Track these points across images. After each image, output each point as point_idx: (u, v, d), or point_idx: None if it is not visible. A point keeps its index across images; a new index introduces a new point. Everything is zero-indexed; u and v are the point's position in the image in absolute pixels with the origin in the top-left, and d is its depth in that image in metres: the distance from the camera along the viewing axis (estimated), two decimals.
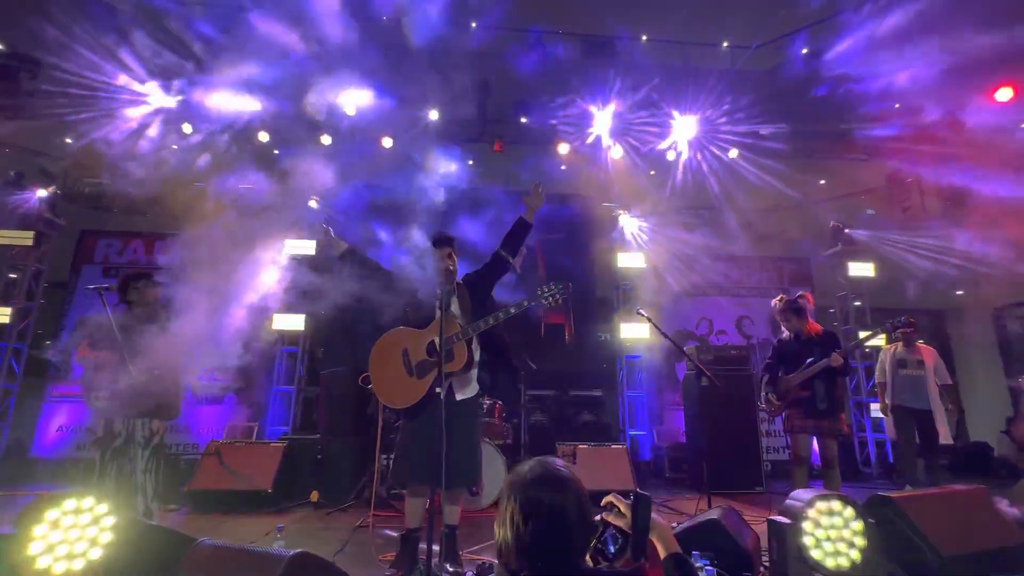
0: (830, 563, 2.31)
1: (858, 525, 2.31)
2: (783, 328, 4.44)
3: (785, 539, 2.45)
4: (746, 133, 7.62)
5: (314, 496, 5.00)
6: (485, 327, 2.95)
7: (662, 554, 1.37)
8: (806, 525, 2.41)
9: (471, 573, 2.64)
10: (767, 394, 4.32)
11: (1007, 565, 2.39)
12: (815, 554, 2.35)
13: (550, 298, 2.94)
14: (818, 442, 4.13)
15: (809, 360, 4.09)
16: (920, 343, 5.36)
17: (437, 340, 2.91)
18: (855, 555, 2.27)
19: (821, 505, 2.41)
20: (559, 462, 1.32)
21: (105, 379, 3.33)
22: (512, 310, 2.96)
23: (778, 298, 4.51)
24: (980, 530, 2.56)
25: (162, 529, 2.32)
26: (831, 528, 2.37)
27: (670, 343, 4.46)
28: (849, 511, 2.36)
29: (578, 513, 1.20)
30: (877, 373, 5.54)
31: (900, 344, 5.33)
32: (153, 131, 7.72)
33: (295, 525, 4.28)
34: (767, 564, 2.94)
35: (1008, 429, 7.80)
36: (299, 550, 2.04)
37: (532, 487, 1.23)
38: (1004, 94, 6.15)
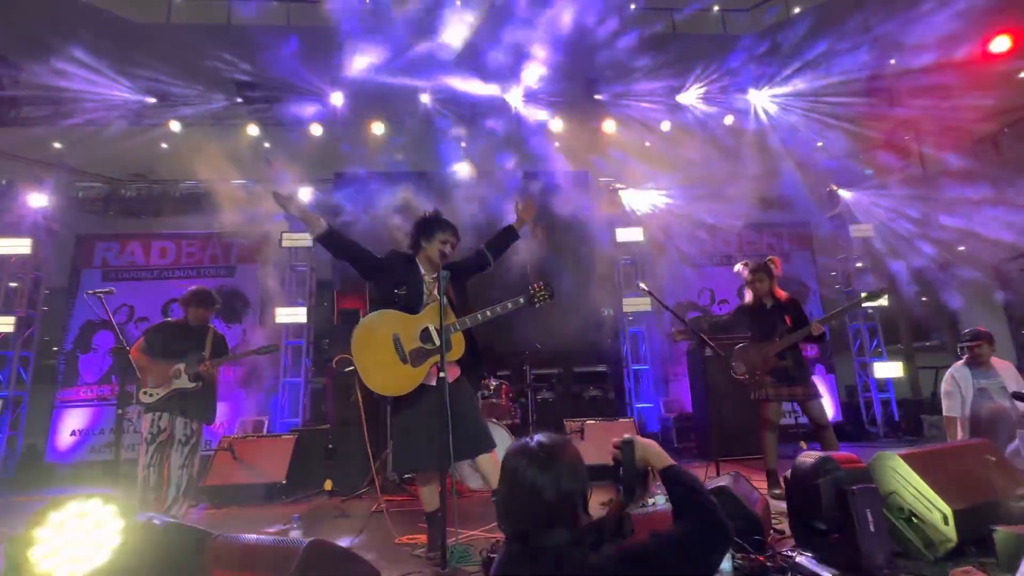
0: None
1: None
2: (749, 293, 4.32)
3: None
4: (743, 97, 7.53)
5: (328, 485, 5.07)
6: (483, 319, 2.94)
7: (657, 472, 1.44)
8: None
9: (483, 553, 2.68)
10: (737, 368, 4.21)
11: (1014, 514, 2.41)
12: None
13: (542, 298, 3.01)
14: (803, 407, 4.08)
15: (788, 327, 4.08)
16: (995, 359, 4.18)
17: (431, 327, 2.90)
18: None
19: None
20: (554, 436, 1.37)
21: (155, 379, 3.65)
22: (510, 305, 2.98)
23: (743, 263, 4.42)
24: (986, 481, 2.59)
25: (181, 525, 2.35)
26: None
27: (672, 315, 4.45)
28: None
29: (544, 484, 1.25)
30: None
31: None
32: (140, 130, 7.67)
33: (311, 514, 4.34)
34: (781, 530, 2.98)
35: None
36: (314, 538, 2.08)
37: (508, 458, 1.34)
38: (1001, 44, 5.98)
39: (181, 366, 3.69)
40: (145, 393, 3.64)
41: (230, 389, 7.19)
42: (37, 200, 7.01)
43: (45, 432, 6.77)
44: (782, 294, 4.27)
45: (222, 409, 7.04)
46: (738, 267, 4.41)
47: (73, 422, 6.80)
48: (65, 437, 6.74)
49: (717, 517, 1.29)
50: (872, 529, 2.21)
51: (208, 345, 3.86)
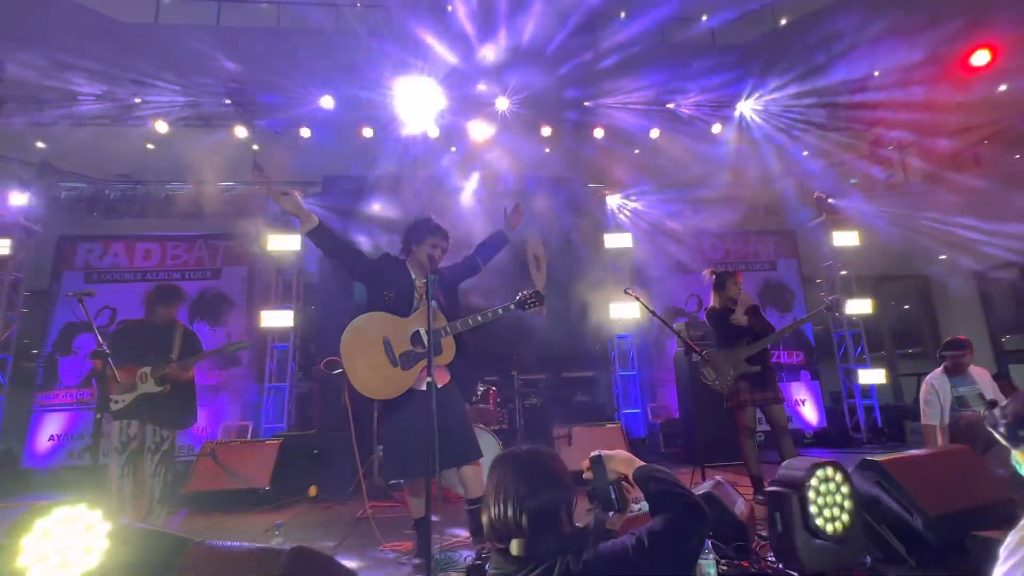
0: (828, 528, 2.33)
1: (847, 489, 2.34)
2: (719, 299, 4.36)
3: (790, 509, 2.38)
4: (730, 106, 7.62)
5: (312, 491, 5.01)
6: (474, 324, 2.93)
7: (629, 475, 1.48)
8: (810, 494, 2.39)
9: (469, 559, 2.66)
10: (708, 374, 4.20)
11: (993, 521, 2.45)
12: (818, 521, 2.36)
13: (533, 304, 3.02)
14: (767, 411, 4.12)
15: (756, 335, 4.13)
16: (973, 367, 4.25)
17: (422, 330, 2.89)
18: (846, 519, 2.31)
19: (820, 473, 2.41)
20: (539, 447, 1.40)
21: (120, 385, 3.44)
22: (500, 311, 2.99)
23: (709, 271, 4.51)
24: (966, 488, 2.62)
25: (159, 532, 2.30)
26: (827, 495, 2.38)
27: (660, 321, 4.48)
28: (840, 476, 2.39)
29: (529, 492, 1.28)
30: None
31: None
32: (125, 130, 7.57)
33: (295, 521, 4.29)
34: (765, 536, 2.99)
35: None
36: (297, 544, 2.05)
37: (494, 468, 1.37)
38: (980, 57, 6.11)
39: (147, 369, 3.50)
40: (111, 400, 3.46)
41: (214, 393, 7.09)
42: (18, 199, 6.87)
43: (22, 437, 6.62)
44: (748, 300, 4.36)
45: (205, 414, 6.98)
46: (706, 273, 4.49)
47: (51, 427, 6.66)
48: (43, 442, 6.60)
49: (691, 499, 1.32)
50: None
51: (176, 344, 3.66)
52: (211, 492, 4.89)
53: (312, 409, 7.07)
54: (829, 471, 2.42)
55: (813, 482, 2.39)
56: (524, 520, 1.25)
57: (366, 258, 3.10)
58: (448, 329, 2.89)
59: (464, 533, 3.45)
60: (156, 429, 3.53)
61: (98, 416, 3.25)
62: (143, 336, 3.62)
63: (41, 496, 5.48)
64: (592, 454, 1.52)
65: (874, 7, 6.94)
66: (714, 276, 4.43)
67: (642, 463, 1.47)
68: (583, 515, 1.45)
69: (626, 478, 1.49)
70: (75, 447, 6.59)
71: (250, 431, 6.72)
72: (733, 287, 4.31)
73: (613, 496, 1.48)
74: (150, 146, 9.39)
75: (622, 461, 1.49)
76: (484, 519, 1.34)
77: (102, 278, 7.30)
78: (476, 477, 3.00)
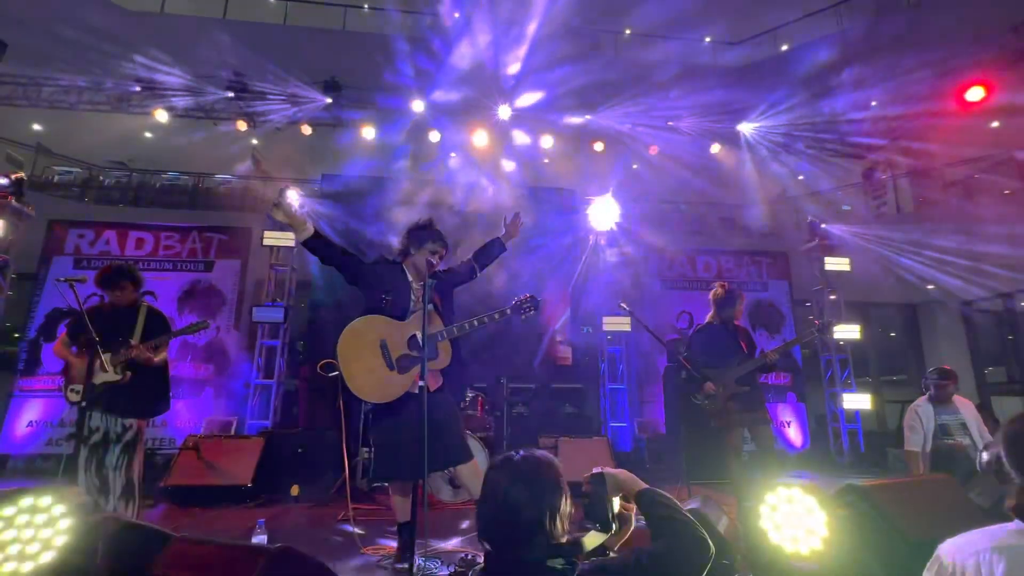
0: (788, 549, 2.34)
1: (822, 516, 2.34)
2: (721, 315, 4.37)
3: (750, 525, 2.48)
4: (728, 128, 7.72)
5: (294, 490, 4.95)
6: (470, 329, 2.94)
7: (631, 496, 1.46)
8: (764, 510, 2.45)
9: (452, 567, 2.65)
10: (699, 393, 4.16)
11: None
12: (773, 538, 2.39)
13: (528, 309, 3.04)
14: (755, 432, 4.15)
15: (747, 354, 4.18)
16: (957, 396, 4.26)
17: (419, 334, 2.89)
18: (817, 544, 2.31)
19: (781, 492, 2.43)
20: (537, 452, 1.38)
21: (81, 374, 3.27)
22: (496, 316, 3.01)
23: (720, 285, 4.55)
24: (947, 515, 2.65)
25: (140, 525, 2.27)
26: (791, 515, 2.38)
27: (650, 336, 4.49)
28: (811, 500, 2.40)
29: (527, 498, 1.27)
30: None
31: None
32: (124, 117, 7.54)
33: (276, 520, 4.24)
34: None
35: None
36: (281, 544, 2.03)
37: (492, 471, 1.35)
38: (975, 93, 6.23)
39: (106, 357, 3.28)
40: (72, 391, 3.33)
41: (199, 387, 7.02)
42: (9, 181, 6.78)
43: (0, 422, 6.51)
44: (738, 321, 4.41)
45: (189, 407, 6.90)
46: (717, 287, 4.51)
47: (31, 413, 6.55)
48: (21, 428, 6.49)
49: (695, 531, 1.32)
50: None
51: (139, 328, 3.44)
52: (192, 487, 4.82)
53: (298, 407, 7.01)
54: (795, 492, 2.44)
55: (770, 499, 2.43)
56: (521, 526, 1.25)
57: (362, 262, 3.09)
58: (445, 333, 2.90)
59: (451, 541, 3.44)
60: (117, 418, 3.32)
61: (82, 404, 3.19)
62: (105, 321, 3.36)
63: (15, 483, 5.38)
64: (594, 470, 1.49)
65: (872, 40, 7.09)
66: (725, 291, 4.44)
67: (645, 485, 1.46)
68: (573, 528, 1.45)
69: (625, 498, 1.47)
70: (56, 434, 6.48)
71: (234, 426, 6.64)
72: (740, 306, 4.36)
73: (611, 516, 1.45)
74: (148, 135, 9.35)
75: (625, 481, 1.47)
76: (480, 523, 1.33)
77: (92, 265, 7.21)
78: (476, 477, 3.00)
